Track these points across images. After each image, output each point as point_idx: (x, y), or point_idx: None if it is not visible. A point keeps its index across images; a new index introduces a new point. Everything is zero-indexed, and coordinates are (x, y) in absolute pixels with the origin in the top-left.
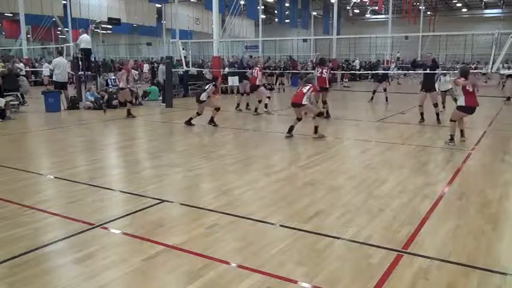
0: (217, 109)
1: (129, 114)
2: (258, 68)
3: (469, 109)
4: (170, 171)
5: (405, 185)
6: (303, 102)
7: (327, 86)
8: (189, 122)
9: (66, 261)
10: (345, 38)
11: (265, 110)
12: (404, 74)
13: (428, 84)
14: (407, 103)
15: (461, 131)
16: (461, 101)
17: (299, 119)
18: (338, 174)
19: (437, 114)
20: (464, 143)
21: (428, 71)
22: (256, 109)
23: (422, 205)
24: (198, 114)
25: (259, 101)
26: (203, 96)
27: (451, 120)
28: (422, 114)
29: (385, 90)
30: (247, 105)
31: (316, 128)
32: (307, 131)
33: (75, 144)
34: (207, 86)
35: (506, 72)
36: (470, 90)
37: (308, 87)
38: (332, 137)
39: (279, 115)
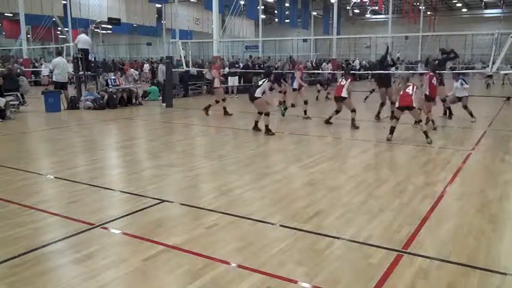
0: (267, 114)
1: (225, 112)
2: (299, 69)
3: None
4: (170, 171)
5: (405, 185)
6: (414, 105)
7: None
8: (256, 127)
9: (66, 261)
10: (345, 38)
11: (305, 116)
12: (413, 74)
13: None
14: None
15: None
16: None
17: (420, 121)
18: (338, 174)
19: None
20: (464, 143)
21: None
22: (305, 111)
23: (422, 205)
24: (261, 113)
25: (305, 102)
26: (258, 92)
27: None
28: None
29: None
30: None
31: (425, 133)
32: (309, 131)
33: (75, 144)
34: (260, 82)
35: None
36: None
37: (411, 86)
38: (332, 137)
39: (279, 115)
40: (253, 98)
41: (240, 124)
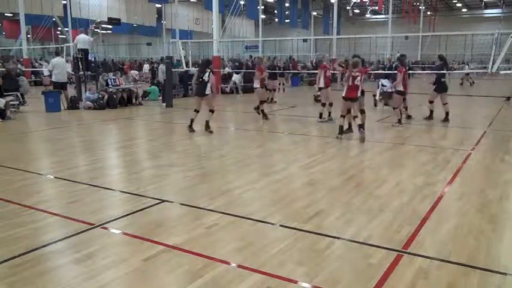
0: (213, 111)
1: (264, 115)
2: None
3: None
4: (170, 171)
5: (405, 185)
6: (358, 96)
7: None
8: (191, 127)
9: (66, 261)
10: (345, 38)
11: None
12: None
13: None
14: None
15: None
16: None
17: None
18: (338, 174)
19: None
20: (464, 143)
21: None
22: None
23: (422, 205)
24: (197, 111)
25: (330, 104)
26: (208, 89)
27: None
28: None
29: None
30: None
31: (349, 126)
32: (308, 131)
33: (75, 144)
34: (206, 76)
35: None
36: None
37: (359, 77)
38: (332, 137)
39: (279, 115)
40: (203, 95)
41: (239, 124)
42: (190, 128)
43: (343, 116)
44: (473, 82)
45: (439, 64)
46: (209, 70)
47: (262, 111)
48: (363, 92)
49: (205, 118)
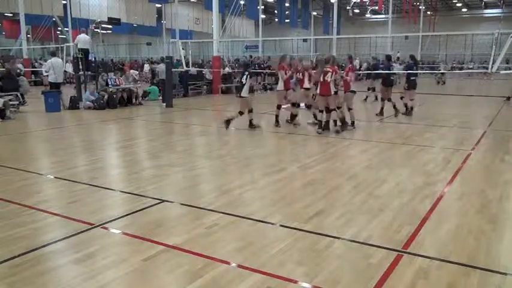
0: (250, 110)
1: (277, 121)
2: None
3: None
4: (170, 171)
5: (405, 185)
6: (331, 93)
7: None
8: (228, 123)
9: (66, 261)
10: (345, 38)
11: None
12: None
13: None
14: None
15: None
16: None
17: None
18: (338, 174)
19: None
20: (464, 143)
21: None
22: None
23: (422, 205)
24: (241, 113)
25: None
26: (244, 92)
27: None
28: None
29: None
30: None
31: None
32: (309, 131)
33: (75, 144)
34: (244, 79)
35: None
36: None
37: (330, 73)
38: (332, 137)
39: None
40: (239, 96)
41: (240, 124)
42: (226, 124)
43: (321, 111)
44: (444, 82)
45: (410, 64)
46: (247, 73)
47: (277, 116)
48: (336, 92)
49: (248, 118)
